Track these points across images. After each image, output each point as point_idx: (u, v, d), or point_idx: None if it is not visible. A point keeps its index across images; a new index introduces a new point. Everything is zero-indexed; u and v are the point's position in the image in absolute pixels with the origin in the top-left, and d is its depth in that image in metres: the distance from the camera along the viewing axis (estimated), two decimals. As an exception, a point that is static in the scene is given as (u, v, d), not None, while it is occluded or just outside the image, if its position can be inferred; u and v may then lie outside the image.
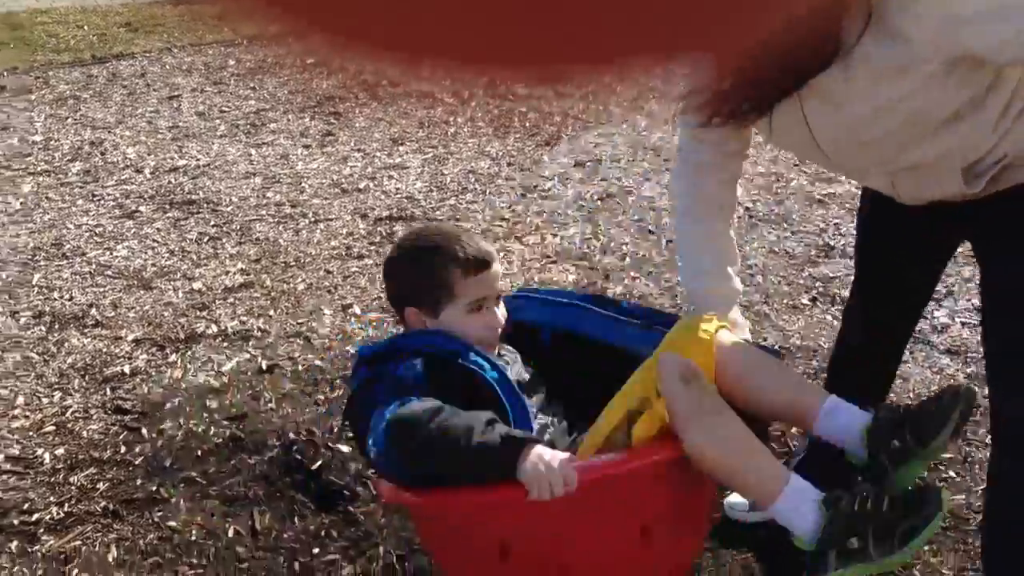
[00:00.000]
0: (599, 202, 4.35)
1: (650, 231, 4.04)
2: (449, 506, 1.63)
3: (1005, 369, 1.64)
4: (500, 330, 1.83)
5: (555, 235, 4.04)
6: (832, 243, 3.83)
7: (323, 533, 2.44)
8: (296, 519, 2.48)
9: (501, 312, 1.84)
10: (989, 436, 2.53)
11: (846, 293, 3.40)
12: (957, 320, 3.20)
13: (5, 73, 6.55)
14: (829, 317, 3.29)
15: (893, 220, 1.88)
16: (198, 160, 5.02)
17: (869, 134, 1.53)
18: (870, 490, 1.50)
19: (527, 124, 5.36)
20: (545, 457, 1.47)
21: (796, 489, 1.53)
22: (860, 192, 2.06)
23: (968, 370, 2.94)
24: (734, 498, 2.29)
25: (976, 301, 3.28)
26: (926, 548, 2.28)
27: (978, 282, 1.80)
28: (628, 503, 1.61)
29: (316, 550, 2.39)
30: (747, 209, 4.18)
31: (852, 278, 2.17)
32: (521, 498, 1.46)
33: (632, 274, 3.67)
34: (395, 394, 1.59)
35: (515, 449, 1.47)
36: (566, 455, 1.51)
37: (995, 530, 1.69)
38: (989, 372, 1.68)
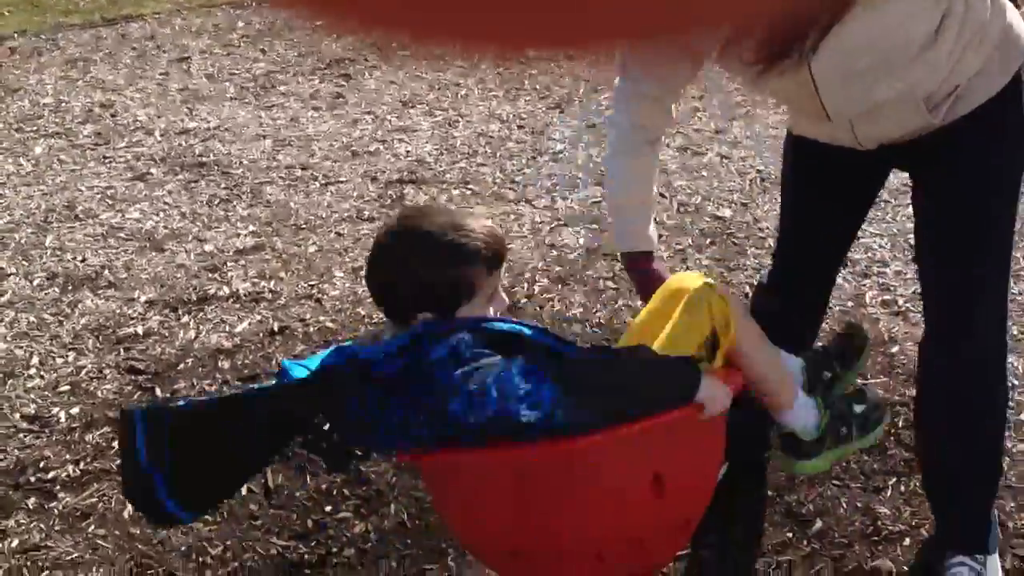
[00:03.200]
0: (610, 165, 4.34)
1: (660, 194, 4.03)
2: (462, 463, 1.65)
3: (940, 286, 1.91)
4: None
5: (565, 198, 4.04)
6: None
7: (335, 492, 2.47)
8: (308, 478, 2.51)
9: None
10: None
11: (858, 255, 3.40)
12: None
13: (15, 35, 6.53)
14: (840, 280, 3.29)
15: (824, 168, 2.01)
16: (208, 123, 5.01)
17: (859, 63, 1.66)
18: (849, 396, 2.00)
19: (538, 87, 5.33)
20: (711, 379, 1.63)
21: (803, 397, 1.89)
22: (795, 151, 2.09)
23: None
24: None
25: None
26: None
27: (911, 201, 2.02)
28: (639, 456, 1.65)
29: (328, 508, 2.42)
30: (759, 172, 4.16)
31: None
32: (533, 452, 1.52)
33: (643, 237, 3.67)
34: (468, 358, 1.51)
35: (698, 371, 1.61)
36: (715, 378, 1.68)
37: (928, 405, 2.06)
38: (925, 287, 1.96)
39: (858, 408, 1.95)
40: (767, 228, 3.65)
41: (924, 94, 1.71)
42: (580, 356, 1.70)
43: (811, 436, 1.89)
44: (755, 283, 3.28)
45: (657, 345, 1.70)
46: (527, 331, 1.67)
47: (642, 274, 1.98)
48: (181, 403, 1.70)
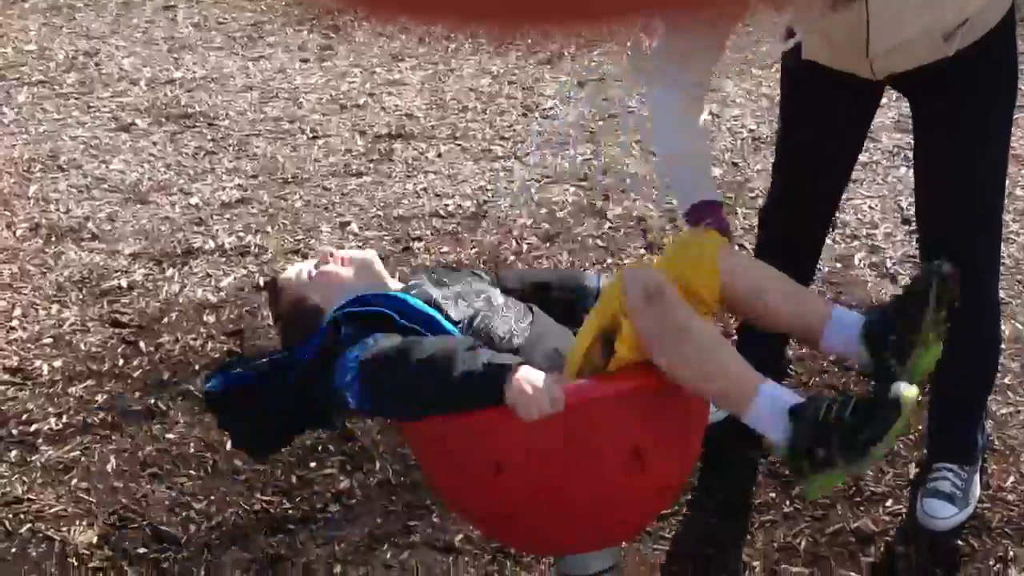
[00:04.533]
0: (600, 122, 4.30)
1: (651, 152, 3.99)
2: (443, 428, 1.64)
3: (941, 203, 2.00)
4: (344, 271, 1.84)
5: (555, 155, 4.00)
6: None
7: (320, 448, 2.46)
8: (293, 433, 2.50)
9: (334, 263, 1.84)
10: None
11: (847, 217, 3.38)
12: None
13: (-3, -20, 6.40)
14: (829, 241, 3.27)
15: (824, 90, 2.03)
16: (194, 73, 4.94)
17: None
18: (835, 399, 1.50)
19: (529, 42, 5.26)
20: (531, 378, 1.47)
21: (767, 398, 1.52)
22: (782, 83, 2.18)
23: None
24: None
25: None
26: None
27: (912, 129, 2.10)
28: (617, 425, 1.61)
29: (313, 464, 2.42)
30: (750, 131, 4.13)
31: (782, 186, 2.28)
32: (509, 419, 1.47)
33: (632, 195, 3.64)
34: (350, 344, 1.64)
35: (499, 374, 1.47)
36: (552, 375, 1.51)
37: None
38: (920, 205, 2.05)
39: (843, 424, 1.47)
40: (758, 188, 3.63)
41: (944, 27, 1.81)
42: (403, 343, 1.60)
43: (783, 453, 1.53)
44: (746, 244, 3.26)
45: (587, 318, 1.65)
46: (395, 309, 1.69)
47: (719, 225, 1.87)
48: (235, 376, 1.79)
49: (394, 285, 1.91)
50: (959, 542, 2.13)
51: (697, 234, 1.78)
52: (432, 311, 1.73)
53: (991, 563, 2.09)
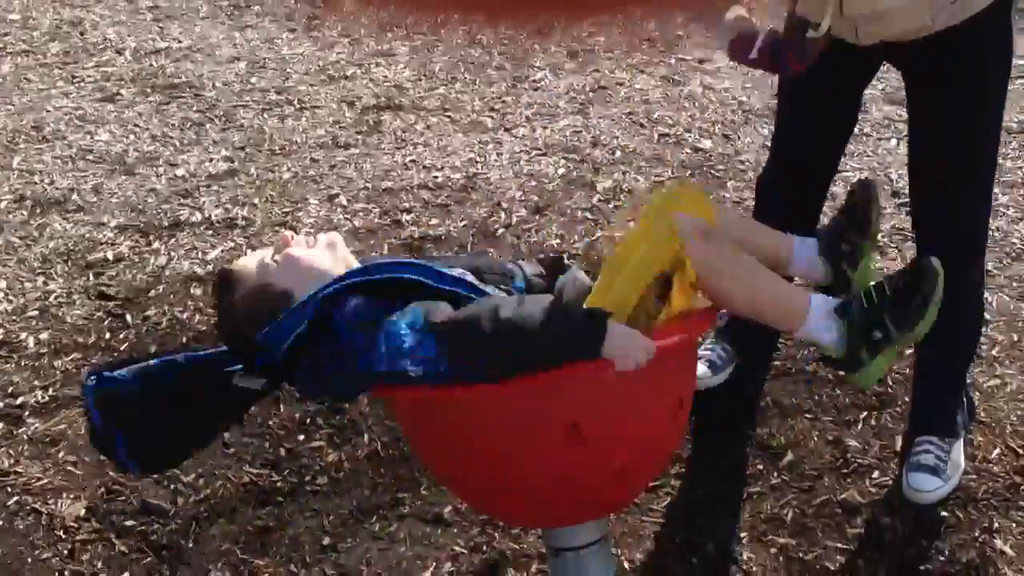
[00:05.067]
0: (591, 94, 4.27)
1: (641, 124, 3.98)
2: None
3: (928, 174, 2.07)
4: (315, 252, 1.71)
5: (545, 127, 3.98)
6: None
7: (308, 421, 2.46)
8: (281, 406, 2.50)
9: (297, 245, 1.70)
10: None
11: (836, 189, 3.38)
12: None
13: (-21, -53, 6.31)
14: (819, 215, 3.27)
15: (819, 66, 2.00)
16: (180, 42, 4.89)
17: None
18: (873, 286, 1.67)
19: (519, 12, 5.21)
20: (624, 330, 1.50)
21: (817, 307, 1.66)
22: None
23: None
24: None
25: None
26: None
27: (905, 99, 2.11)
28: (676, 375, 1.64)
29: (301, 437, 2.42)
30: (741, 104, 4.11)
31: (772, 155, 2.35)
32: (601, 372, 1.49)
33: (622, 168, 3.63)
34: (368, 320, 1.53)
35: (602, 326, 1.47)
36: (635, 331, 1.52)
37: None
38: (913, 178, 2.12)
39: (890, 299, 1.65)
40: (748, 160, 3.62)
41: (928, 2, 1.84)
42: (478, 305, 1.55)
43: (840, 352, 1.67)
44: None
45: (623, 275, 1.63)
46: (426, 276, 1.61)
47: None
48: (128, 374, 1.64)
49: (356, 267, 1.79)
50: (944, 513, 2.14)
51: (668, 190, 1.84)
52: (467, 275, 1.68)
53: (976, 534, 2.10)
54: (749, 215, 2.47)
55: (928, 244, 2.05)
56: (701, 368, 2.42)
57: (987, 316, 2.71)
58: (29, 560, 2.08)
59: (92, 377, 1.61)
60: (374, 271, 1.64)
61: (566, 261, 1.94)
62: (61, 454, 2.35)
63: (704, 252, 1.60)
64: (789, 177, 2.28)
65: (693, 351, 1.82)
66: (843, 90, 2.17)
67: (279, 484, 2.29)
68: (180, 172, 3.65)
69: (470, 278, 1.68)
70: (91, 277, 3.01)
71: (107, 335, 2.74)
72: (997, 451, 2.30)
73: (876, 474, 2.26)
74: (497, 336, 1.46)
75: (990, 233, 3.09)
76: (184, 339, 2.71)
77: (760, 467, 2.30)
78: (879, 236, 1.94)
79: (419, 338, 1.48)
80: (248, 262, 1.72)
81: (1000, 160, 3.50)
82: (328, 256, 1.71)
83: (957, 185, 2.04)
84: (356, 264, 1.76)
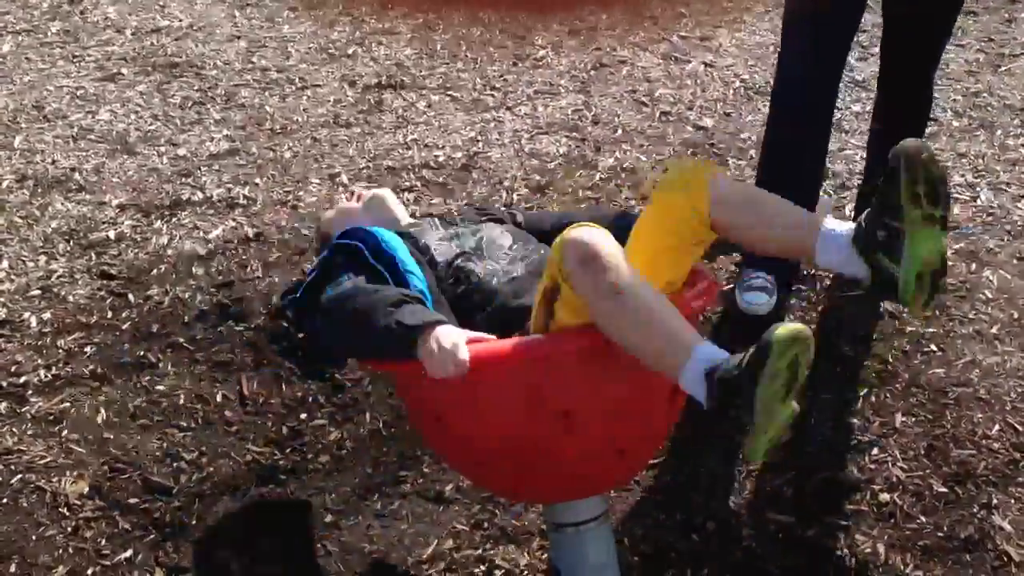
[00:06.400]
0: (592, 72, 4.26)
1: (643, 103, 3.96)
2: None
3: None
4: (353, 205, 2.19)
5: (546, 105, 3.97)
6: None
7: (310, 399, 2.47)
8: (283, 385, 2.51)
9: (347, 199, 2.23)
10: (971, 313, 2.56)
11: (839, 167, 3.37)
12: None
13: (-22, -74, 6.27)
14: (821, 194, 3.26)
15: None
16: (181, 21, 4.87)
17: None
18: (740, 354, 1.44)
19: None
20: (443, 341, 1.52)
21: (700, 361, 1.47)
22: None
23: (956, 246, 2.94)
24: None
25: (968, 176, 3.26)
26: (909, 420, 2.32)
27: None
28: (544, 386, 1.61)
29: (303, 415, 2.43)
30: (743, 81, 4.10)
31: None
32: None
33: (624, 146, 3.62)
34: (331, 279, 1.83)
35: (408, 334, 1.56)
36: (469, 335, 1.55)
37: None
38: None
39: (735, 373, 1.42)
40: (750, 139, 3.61)
41: None
42: (353, 290, 1.76)
43: (708, 404, 1.47)
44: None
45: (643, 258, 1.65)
46: (379, 245, 1.86)
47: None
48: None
49: (406, 221, 2.11)
50: (943, 489, 2.16)
51: (685, 162, 1.81)
52: (401, 255, 1.84)
53: (975, 510, 2.11)
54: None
55: (901, 100, 2.61)
56: (759, 296, 2.59)
57: (988, 294, 2.72)
58: (33, 538, 2.10)
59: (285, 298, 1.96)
60: (347, 234, 1.92)
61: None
62: (64, 432, 2.36)
63: (580, 278, 1.50)
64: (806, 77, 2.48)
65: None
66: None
67: (281, 462, 2.30)
68: (181, 151, 3.65)
69: (405, 258, 1.84)
70: (93, 256, 3.02)
71: (109, 314, 2.75)
72: (997, 427, 2.30)
73: (876, 451, 2.26)
74: (342, 321, 1.70)
75: (991, 211, 3.10)
76: (186, 318, 2.72)
77: (760, 444, 2.30)
78: (925, 210, 1.57)
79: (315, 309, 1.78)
80: (326, 213, 2.27)
81: (1003, 138, 3.50)
82: (369, 210, 2.12)
83: (928, 65, 2.57)
84: (405, 220, 2.13)
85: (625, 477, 2.03)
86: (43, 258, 3.02)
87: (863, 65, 4.06)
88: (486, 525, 2.13)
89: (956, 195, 3.19)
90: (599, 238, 1.51)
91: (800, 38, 2.48)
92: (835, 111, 2.63)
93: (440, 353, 1.51)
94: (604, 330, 1.52)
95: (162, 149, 3.67)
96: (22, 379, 2.52)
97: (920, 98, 2.65)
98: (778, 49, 2.55)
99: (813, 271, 2.82)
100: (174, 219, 3.22)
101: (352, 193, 2.21)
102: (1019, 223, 3.05)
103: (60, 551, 2.07)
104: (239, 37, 4.69)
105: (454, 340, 1.52)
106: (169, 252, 3.04)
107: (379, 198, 2.14)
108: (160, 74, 4.29)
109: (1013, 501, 2.13)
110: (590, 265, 1.48)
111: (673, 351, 1.48)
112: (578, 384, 1.61)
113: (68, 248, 3.06)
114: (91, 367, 2.55)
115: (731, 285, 2.73)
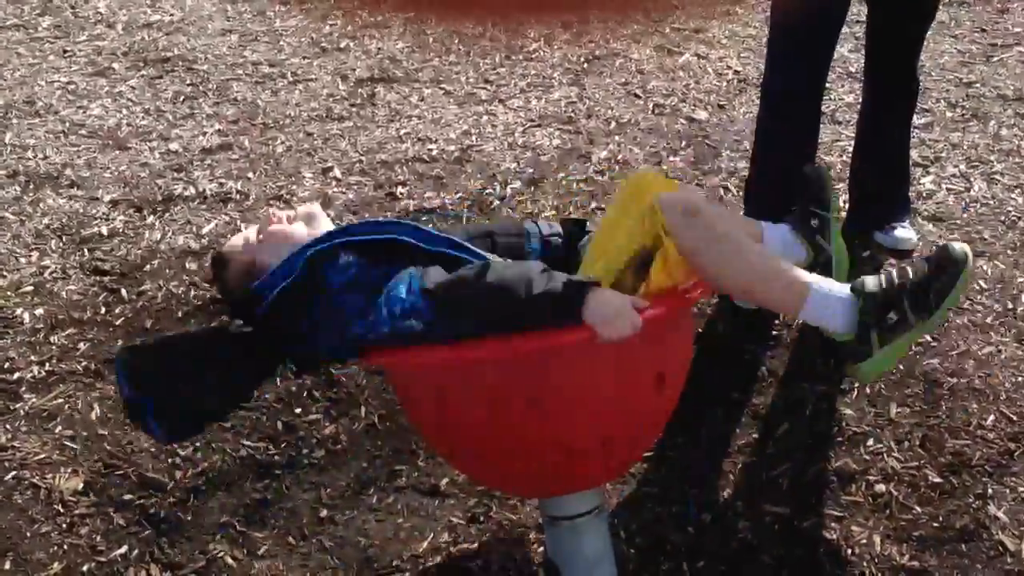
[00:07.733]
0: (585, 65, 4.25)
1: (636, 95, 3.96)
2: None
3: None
4: (293, 227, 1.84)
5: (539, 98, 3.96)
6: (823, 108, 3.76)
7: (305, 394, 2.46)
8: (278, 380, 2.50)
9: (277, 222, 1.84)
10: (965, 303, 2.56)
11: (833, 159, 3.37)
12: (943, 187, 3.19)
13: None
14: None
15: None
16: (172, 15, 4.85)
17: None
18: (895, 265, 1.70)
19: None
20: (612, 301, 1.50)
21: (820, 292, 1.59)
22: None
23: (951, 236, 2.94)
24: None
25: (962, 167, 3.26)
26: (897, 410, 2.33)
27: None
28: (652, 350, 1.62)
29: (298, 410, 2.42)
30: (736, 73, 4.09)
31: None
32: (587, 339, 1.49)
33: (617, 139, 3.61)
34: (365, 283, 1.63)
35: (581, 293, 1.50)
36: (630, 298, 1.53)
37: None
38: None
39: (913, 281, 1.57)
40: (743, 131, 3.60)
41: None
42: (468, 269, 1.62)
43: (848, 335, 1.60)
44: (730, 186, 3.26)
45: (609, 252, 1.67)
46: (416, 237, 1.71)
47: None
48: (154, 344, 1.82)
49: None
50: (939, 479, 2.16)
51: (641, 176, 1.83)
52: (454, 237, 1.74)
53: (970, 500, 2.11)
54: (743, 186, 2.52)
55: (894, 87, 2.70)
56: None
57: (982, 284, 2.72)
58: (28, 534, 2.09)
59: (122, 351, 1.77)
60: (366, 229, 1.73)
61: (588, 226, 1.96)
62: (58, 429, 2.35)
63: (687, 230, 1.56)
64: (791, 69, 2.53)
65: (681, 324, 1.80)
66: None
67: (277, 457, 2.30)
68: (173, 146, 3.63)
69: (459, 238, 1.74)
70: (86, 252, 3.00)
71: (102, 310, 2.74)
72: (992, 418, 2.31)
73: (871, 442, 2.26)
74: (482, 297, 1.54)
75: (986, 202, 3.10)
76: (180, 313, 2.71)
77: (755, 436, 2.30)
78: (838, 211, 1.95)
79: (414, 300, 1.57)
80: (235, 241, 1.87)
81: (996, 128, 3.50)
82: (309, 226, 1.82)
83: (916, 48, 2.66)
84: (329, 228, 1.86)
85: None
86: (35, 254, 3.00)
87: (856, 56, 4.06)
88: (482, 519, 2.13)
89: (950, 186, 3.20)
90: (694, 194, 1.65)
91: (786, 36, 2.50)
92: (828, 102, 2.65)
93: (617, 313, 1.49)
94: (715, 277, 1.60)
95: (154, 144, 3.66)
96: (15, 375, 2.51)
97: (905, 80, 2.71)
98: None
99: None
100: (167, 214, 3.21)
101: (273, 215, 1.86)
102: (1012, 213, 3.06)
103: (55, 548, 2.07)
104: (231, 31, 4.67)
105: (622, 300, 1.51)
106: (162, 247, 3.03)
107: (313, 212, 1.87)
108: (152, 69, 4.27)
109: (1008, 491, 2.13)
110: (697, 217, 1.57)
111: (790, 288, 1.60)
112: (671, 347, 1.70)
113: (60, 244, 3.05)
114: (85, 363, 2.54)
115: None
